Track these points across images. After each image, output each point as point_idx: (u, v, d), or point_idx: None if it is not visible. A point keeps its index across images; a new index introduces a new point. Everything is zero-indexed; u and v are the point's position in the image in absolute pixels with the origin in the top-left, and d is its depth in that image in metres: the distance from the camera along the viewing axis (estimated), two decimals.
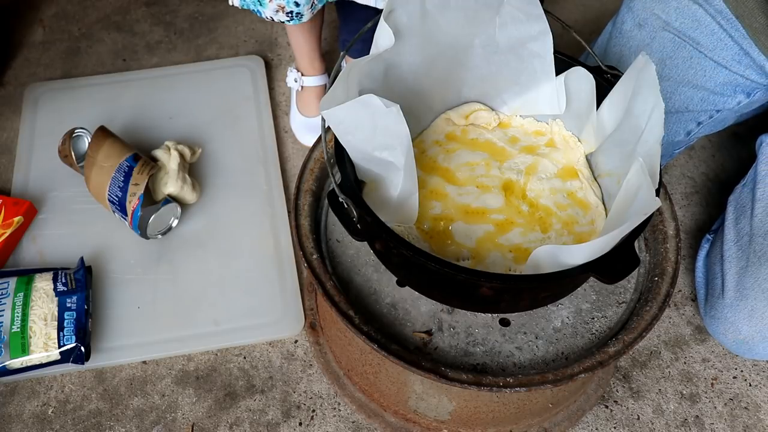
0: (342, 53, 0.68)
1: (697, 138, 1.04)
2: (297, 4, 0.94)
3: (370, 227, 0.62)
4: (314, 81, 1.20)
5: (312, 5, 0.96)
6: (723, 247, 0.95)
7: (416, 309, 0.73)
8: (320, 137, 0.65)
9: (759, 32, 0.88)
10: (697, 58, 0.94)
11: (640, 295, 0.75)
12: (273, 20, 0.97)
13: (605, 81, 0.72)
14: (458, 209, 0.72)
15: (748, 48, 0.90)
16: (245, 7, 0.97)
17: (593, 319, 0.73)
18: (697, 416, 0.92)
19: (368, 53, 0.66)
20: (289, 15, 0.95)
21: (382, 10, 0.65)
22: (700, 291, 1.00)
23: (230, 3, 0.98)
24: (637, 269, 0.77)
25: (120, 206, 0.98)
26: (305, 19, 0.97)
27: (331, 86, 0.60)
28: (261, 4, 0.95)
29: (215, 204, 1.09)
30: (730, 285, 0.92)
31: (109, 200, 0.99)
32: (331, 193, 0.63)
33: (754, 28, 0.88)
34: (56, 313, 0.88)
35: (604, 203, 0.73)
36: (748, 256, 0.90)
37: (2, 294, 0.90)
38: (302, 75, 1.19)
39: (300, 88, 1.20)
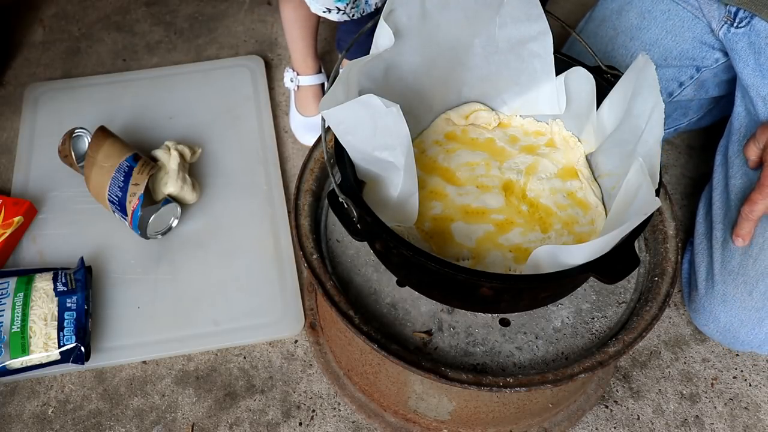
0: (341, 55, 0.68)
1: (684, 107, 1.05)
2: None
3: (370, 227, 0.62)
4: (310, 80, 1.20)
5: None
6: (695, 242, 0.98)
7: (416, 309, 0.73)
8: (320, 137, 0.65)
9: None
10: (675, 10, 0.98)
11: (640, 295, 0.75)
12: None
13: (605, 81, 0.72)
14: (458, 209, 0.72)
15: None
16: None
17: (593, 319, 0.73)
18: (697, 416, 0.92)
19: (367, 54, 0.66)
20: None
21: (378, 11, 0.65)
22: (684, 290, 1.02)
23: None
24: (637, 269, 0.77)
25: (120, 206, 0.98)
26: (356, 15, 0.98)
27: (330, 86, 0.60)
28: None
29: (215, 204, 1.09)
30: (701, 276, 0.94)
31: (109, 200, 0.99)
32: (331, 193, 0.63)
33: None
34: (56, 313, 0.88)
35: (604, 203, 0.73)
36: (712, 245, 0.93)
37: (2, 294, 0.90)
38: (298, 74, 1.19)
39: (296, 88, 1.20)
